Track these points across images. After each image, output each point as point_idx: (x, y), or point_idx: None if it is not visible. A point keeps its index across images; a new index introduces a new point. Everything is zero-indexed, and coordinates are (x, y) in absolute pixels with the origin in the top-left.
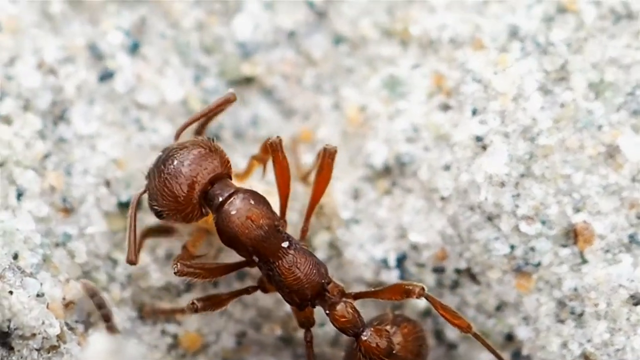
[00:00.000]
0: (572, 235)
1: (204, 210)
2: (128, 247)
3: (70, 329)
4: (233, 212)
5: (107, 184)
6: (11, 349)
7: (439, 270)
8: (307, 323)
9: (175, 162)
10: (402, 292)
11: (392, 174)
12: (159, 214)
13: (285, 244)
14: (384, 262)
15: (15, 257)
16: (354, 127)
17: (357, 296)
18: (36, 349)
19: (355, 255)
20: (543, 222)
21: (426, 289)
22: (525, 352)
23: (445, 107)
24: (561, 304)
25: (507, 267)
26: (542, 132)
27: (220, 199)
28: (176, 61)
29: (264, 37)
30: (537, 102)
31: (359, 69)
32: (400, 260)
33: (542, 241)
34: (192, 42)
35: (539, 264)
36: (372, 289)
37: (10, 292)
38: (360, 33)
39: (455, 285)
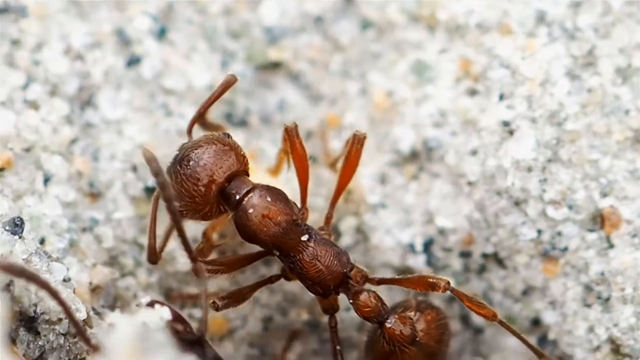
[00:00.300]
0: (599, 220)
1: (222, 207)
2: (148, 246)
3: (97, 313)
4: (250, 211)
5: (134, 169)
6: (37, 333)
7: (465, 255)
8: (332, 309)
9: (191, 162)
10: (426, 284)
11: (419, 159)
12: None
13: (304, 237)
14: (411, 247)
15: (42, 242)
16: (381, 113)
17: (381, 282)
18: (62, 334)
19: (382, 240)
20: (570, 207)
21: (451, 282)
22: (551, 336)
23: (473, 92)
24: (588, 288)
25: (534, 251)
26: (569, 117)
27: (237, 197)
28: (203, 46)
29: (291, 23)
30: (565, 87)
31: (386, 54)
32: (427, 245)
33: (569, 226)
34: (220, 28)
35: (565, 249)
36: (397, 277)
37: None
38: (388, 18)
39: (482, 269)
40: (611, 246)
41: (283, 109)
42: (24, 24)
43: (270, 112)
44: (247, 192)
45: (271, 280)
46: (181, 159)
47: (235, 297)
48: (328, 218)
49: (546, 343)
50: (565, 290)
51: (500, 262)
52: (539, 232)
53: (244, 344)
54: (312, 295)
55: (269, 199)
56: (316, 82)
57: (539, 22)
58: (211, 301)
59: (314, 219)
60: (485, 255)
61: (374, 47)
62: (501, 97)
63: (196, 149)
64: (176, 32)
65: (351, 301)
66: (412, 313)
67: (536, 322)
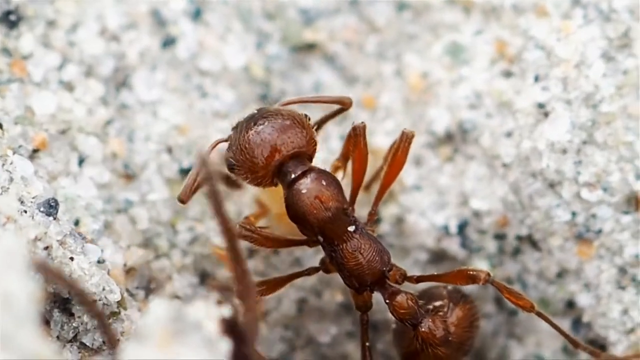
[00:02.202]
0: (634, 202)
1: (274, 180)
2: (184, 186)
3: (131, 295)
4: (304, 191)
5: (169, 150)
6: (71, 315)
7: (500, 237)
8: (364, 307)
9: (267, 123)
10: (467, 277)
11: (454, 140)
12: (231, 167)
13: (351, 228)
14: (446, 229)
15: (77, 223)
16: (416, 94)
17: (420, 279)
18: None
19: (416, 222)
20: (605, 189)
21: (491, 274)
22: (586, 319)
23: (508, 74)
24: (622, 270)
25: (568, 234)
26: (604, 99)
27: (293, 176)
28: (238, 27)
29: (326, 4)
30: (600, 69)
31: (421, 35)
32: (462, 227)
33: (603, 208)
34: (255, 8)
35: (600, 231)
36: (436, 273)
37: (71, 259)
38: (423, 0)
39: (516, 252)
40: None
41: (318, 90)
42: (60, 5)
43: (305, 93)
44: (304, 173)
45: (309, 272)
46: (258, 118)
47: (269, 286)
48: (372, 215)
49: (580, 325)
50: (599, 272)
51: (534, 244)
52: (574, 214)
53: (278, 326)
54: None
55: (323, 183)
56: (351, 63)
57: (575, 3)
58: None
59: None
60: (519, 238)
61: (410, 28)
62: (536, 79)
63: (275, 115)
64: (211, 13)
65: (387, 301)
66: (444, 308)
67: (570, 305)
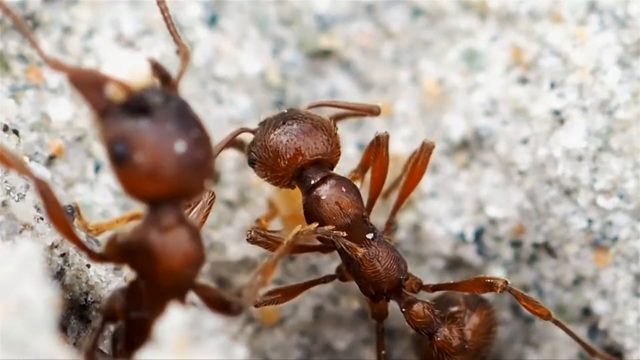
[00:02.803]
0: None
1: (293, 182)
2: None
3: None
4: (323, 197)
5: None
6: (88, 322)
7: (516, 244)
8: (380, 315)
9: (295, 125)
10: (484, 286)
11: (469, 147)
12: (252, 162)
13: (369, 236)
14: (462, 236)
15: None
16: (431, 101)
17: (436, 288)
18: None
19: (433, 230)
20: (621, 196)
21: (509, 282)
22: (602, 326)
23: (524, 81)
24: (638, 278)
25: (584, 241)
26: (620, 106)
27: (313, 182)
28: (254, 34)
29: (342, 10)
30: (616, 75)
31: (437, 41)
32: (478, 234)
33: (619, 215)
34: (270, 15)
35: (616, 238)
36: (453, 282)
37: (88, 266)
38: (439, 6)
39: (532, 259)
40: None
41: (334, 97)
42: (76, 11)
43: (321, 99)
44: (324, 179)
45: (325, 280)
46: (287, 117)
47: (284, 294)
48: (389, 224)
49: (597, 333)
50: (615, 279)
51: (550, 251)
52: (590, 221)
53: (294, 333)
54: None
55: (343, 189)
56: (367, 69)
57: (590, 10)
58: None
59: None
60: (535, 245)
61: (425, 34)
62: (552, 86)
63: (304, 119)
64: (227, 19)
65: (403, 310)
66: (461, 314)
67: (587, 312)
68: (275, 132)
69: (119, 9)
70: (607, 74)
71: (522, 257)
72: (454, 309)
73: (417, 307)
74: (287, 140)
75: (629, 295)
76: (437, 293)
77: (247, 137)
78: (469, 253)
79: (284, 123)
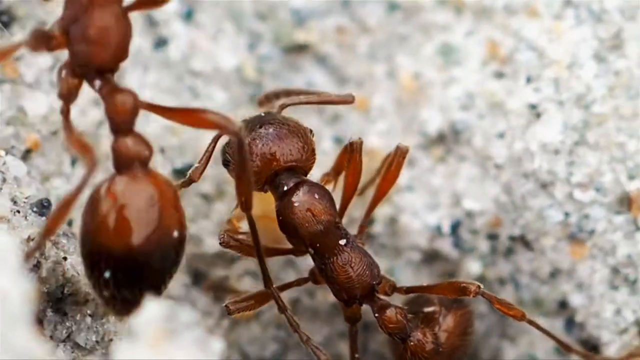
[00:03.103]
0: (627, 203)
1: (265, 187)
2: (198, 165)
3: None
4: (296, 204)
5: (162, 150)
6: (65, 314)
7: (493, 237)
8: (354, 319)
9: (271, 129)
10: (457, 290)
11: (446, 141)
12: (226, 163)
13: (342, 242)
14: (438, 229)
15: (70, 223)
16: (408, 95)
17: (410, 290)
18: (90, 315)
19: (409, 223)
20: (597, 190)
21: (482, 286)
22: (578, 318)
23: (500, 75)
24: (615, 271)
25: (561, 234)
26: (596, 100)
27: (286, 188)
28: (230, 28)
29: (318, 4)
30: (592, 70)
31: (413, 36)
32: (455, 227)
33: (596, 208)
34: (246, 9)
35: (593, 231)
36: (426, 284)
37: (65, 258)
38: (414, 0)
39: (509, 252)
40: (638, 229)
41: None
42: (51, 6)
43: None
44: (297, 185)
45: (298, 283)
46: (264, 122)
47: (257, 299)
48: (362, 227)
49: (573, 325)
50: (592, 272)
51: (527, 244)
52: (566, 214)
53: (271, 326)
54: None
55: (316, 196)
56: (343, 64)
57: (566, 4)
58: (224, 304)
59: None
60: (512, 238)
61: (401, 29)
62: (528, 80)
63: (281, 124)
64: (203, 14)
65: (376, 315)
66: (435, 315)
67: (563, 305)
68: (252, 135)
69: None
70: (583, 68)
71: (498, 250)
72: (429, 309)
73: (389, 313)
74: (262, 145)
75: (606, 288)
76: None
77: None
78: (446, 246)
79: (260, 127)
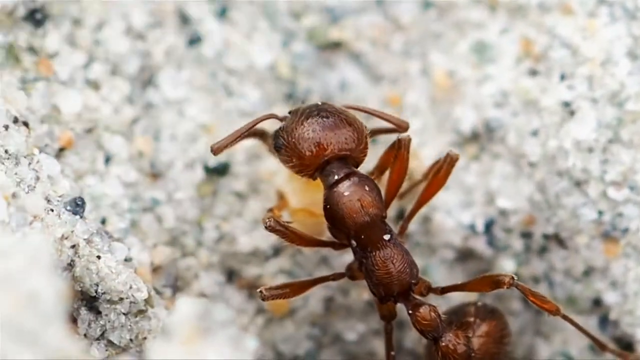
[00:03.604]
0: None
1: (316, 174)
2: (223, 140)
3: (158, 293)
4: (346, 193)
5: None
6: (99, 313)
7: (526, 236)
8: (389, 316)
9: (329, 118)
10: (491, 283)
11: (480, 139)
12: (279, 147)
13: (387, 237)
14: (472, 228)
15: (103, 222)
16: (442, 93)
17: (445, 290)
18: (123, 313)
19: (443, 221)
20: (631, 188)
21: (516, 278)
22: (612, 316)
23: (534, 73)
24: None
25: (595, 232)
26: (630, 98)
27: (336, 177)
28: (264, 26)
29: (352, 3)
30: (625, 67)
31: (447, 34)
32: (488, 226)
33: (630, 207)
34: (280, 7)
35: (626, 230)
36: (461, 283)
37: (98, 257)
38: None
39: (543, 250)
40: None
41: (344, 89)
42: (85, 3)
43: (331, 92)
44: (347, 175)
45: (334, 277)
46: (322, 109)
47: (293, 289)
48: (403, 227)
49: (607, 323)
50: (626, 271)
51: (561, 242)
52: (600, 213)
53: (305, 324)
54: None
55: (366, 188)
56: (377, 62)
57: (600, 2)
58: (258, 290)
59: None
60: (546, 236)
61: (435, 27)
62: (562, 78)
63: (338, 113)
64: (237, 11)
65: (410, 312)
66: (470, 322)
67: (597, 303)
68: (308, 122)
69: (128, 1)
70: (617, 65)
71: (532, 248)
72: (465, 319)
73: (423, 310)
74: (320, 131)
75: (639, 287)
76: (450, 305)
77: (270, 127)
78: (479, 244)
79: (318, 114)
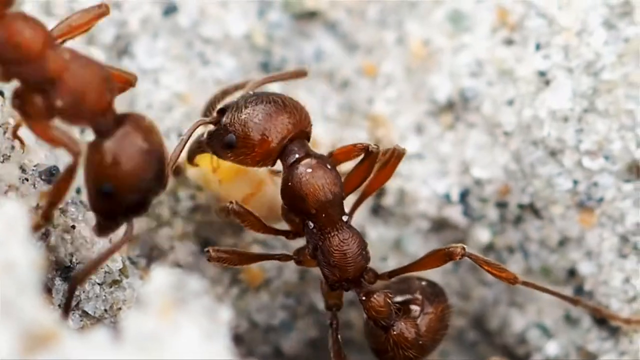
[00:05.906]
0: (635, 171)
1: (276, 159)
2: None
3: (133, 263)
4: (309, 170)
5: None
6: None
7: (502, 205)
8: (335, 306)
9: (277, 101)
10: (443, 256)
11: (455, 108)
12: (231, 144)
13: (345, 218)
14: (447, 197)
15: (78, 191)
16: (417, 62)
17: (393, 274)
18: (98, 284)
19: (418, 191)
20: (606, 157)
21: (466, 248)
22: (587, 287)
23: (509, 42)
24: (624, 239)
25: (570, 202)
26: (605, 67)
27: (297, 156)
28: None
29: None
30: (601, 37)
31: (423, 2)
32: (464, 195)
33: (605, 176)
34: None
35: (601, 199)
36: (408, 264)
37: (73, 227)
38: None
39: (518, 220)
40: None
41: (319, 58)
42: None
43: (306, 61)
44: (308, 155)
45: (280, 258)
46: (262, 98)
47: (237, 257)
48: (348, 220)
49: (582, 294)
50: (601, 241)
51: (536, 212)
52: (575, 182)
53: (280, 294)
54: None
55: (328, 166)
56: (353, 31)
57: None
58: (205, 249)
59: None
60: (521, 206)
61: None
62: (537, 47)
63: (277, 96)
64: None
65: (363, 298)
66: (417, 306)
67: (572, 273)
68: (259, 108)
69: None
70: (593, 35)
71: (507, 218)
72: (411, 297)
73: (377, 297)
74: (276, 115)
75: (615, 257)
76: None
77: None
78: (455, 214)
79: (262, 102)
